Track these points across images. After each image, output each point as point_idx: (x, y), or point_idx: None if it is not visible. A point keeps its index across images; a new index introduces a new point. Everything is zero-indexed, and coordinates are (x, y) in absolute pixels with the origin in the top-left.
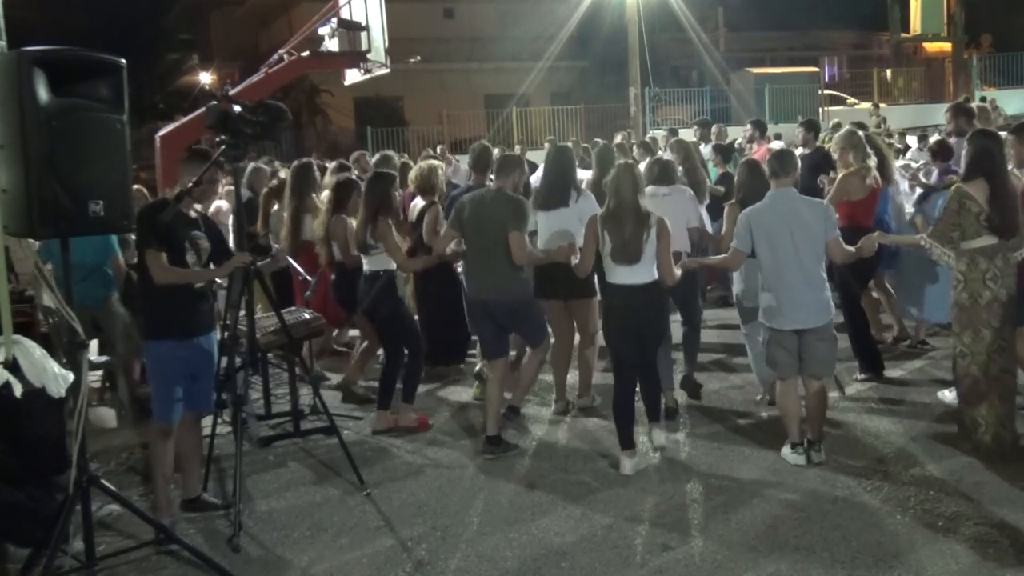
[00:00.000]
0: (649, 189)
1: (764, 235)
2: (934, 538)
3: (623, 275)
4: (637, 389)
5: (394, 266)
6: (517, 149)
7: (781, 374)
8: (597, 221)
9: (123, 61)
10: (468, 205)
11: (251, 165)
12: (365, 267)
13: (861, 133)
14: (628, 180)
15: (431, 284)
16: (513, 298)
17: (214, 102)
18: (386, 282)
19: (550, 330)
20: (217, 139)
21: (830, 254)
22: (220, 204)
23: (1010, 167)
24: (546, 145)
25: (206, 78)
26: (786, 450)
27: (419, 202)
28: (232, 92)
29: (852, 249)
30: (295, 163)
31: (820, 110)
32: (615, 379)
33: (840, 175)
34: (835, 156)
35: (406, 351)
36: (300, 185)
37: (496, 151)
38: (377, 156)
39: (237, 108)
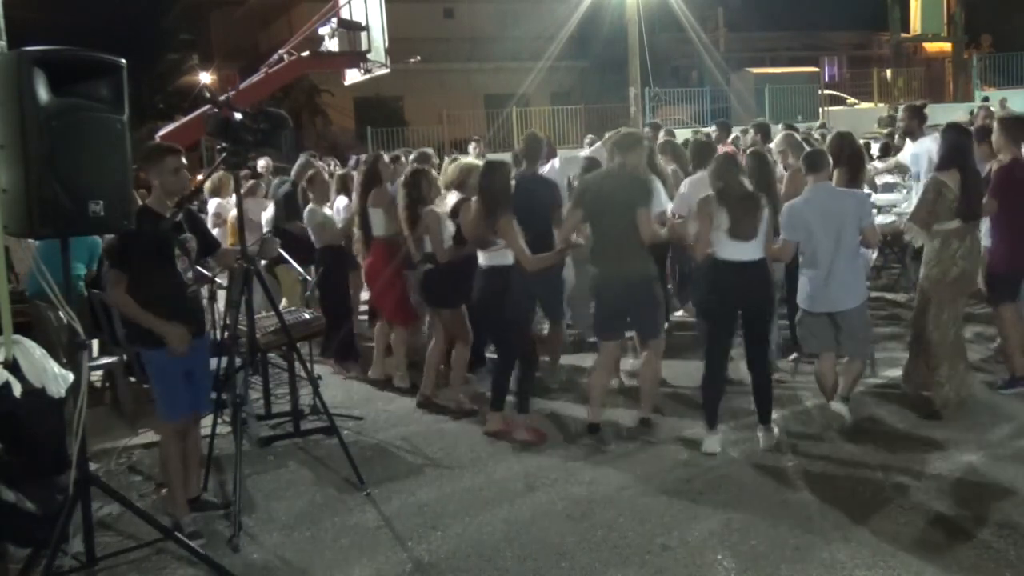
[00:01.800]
0: (699, 176)
1: (803, 226)
2: (934, 538)
3: (736, 251)
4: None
5: (511, 262)
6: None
7: (813, 351)
8: (710, 202)
9: (123, 61)
10: (591, 186)
11: (300, 158)
12: (483, 262)
13: (799, 136)
14: (731, 166)
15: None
16: (641, 278)
17: (215, 110)
18: (508, 280)
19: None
20: (218, 147)
21: (866, 239)
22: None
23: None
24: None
25: (206, 78)
26: (835, 404)
27: (451, 197)
28: (232, 92)
29: (880, 235)
30: (366, 156)
31: (820, 110)
32: (707, 359)
33: (788, 174)
34: (777, 159)
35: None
36: (370, 180)
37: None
38: (415, 153)
39: (238, 115)
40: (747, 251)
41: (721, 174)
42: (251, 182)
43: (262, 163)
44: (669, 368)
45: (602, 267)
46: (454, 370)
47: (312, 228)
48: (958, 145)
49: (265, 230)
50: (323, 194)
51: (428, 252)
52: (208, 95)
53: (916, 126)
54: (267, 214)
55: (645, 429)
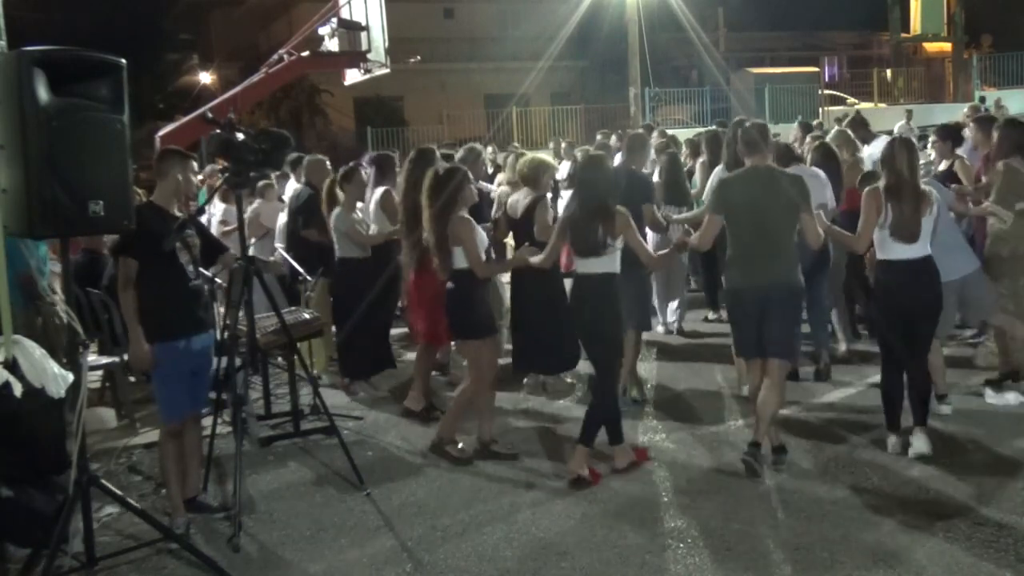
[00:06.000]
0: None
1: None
2: (934, 538)
3: (899, 250)
4: None
5: (618, 268)
6: (552, 147)
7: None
8: (880, 194)
9: (123, 61)
10: (737, 186)
11: (308, 158)
12: (584, 269)
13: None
14: (905, 157)
15: (529, 284)
16: (793, 290)
17: (217, 130)
18: (615, 289)
19: None
20: (220, 167)
21: (955, 209)
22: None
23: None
24: (550, 144)
25: (206, 78)
26: (937, 405)
27: (520, 196)
28: (232, 91)
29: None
30: (413, 150)
31: (820, 110)
32: (882, 362)
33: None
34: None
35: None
36: (420, 177)
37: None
38: (462, 151)
39: (240, 136)
40: (909, 250)
41: (893, 166)
42: (263, 183)
43: (208, 169)
44: (689, 369)
45: (748, 276)
46: (455, 408)
47: (342, 234)
48: (1017, 137)
49: (277, 242)
50: (359, 196)
51: (457, 269)
52: (210, 117)
53: (863, 135)
54: (282, 218)
55: (780, 458)
